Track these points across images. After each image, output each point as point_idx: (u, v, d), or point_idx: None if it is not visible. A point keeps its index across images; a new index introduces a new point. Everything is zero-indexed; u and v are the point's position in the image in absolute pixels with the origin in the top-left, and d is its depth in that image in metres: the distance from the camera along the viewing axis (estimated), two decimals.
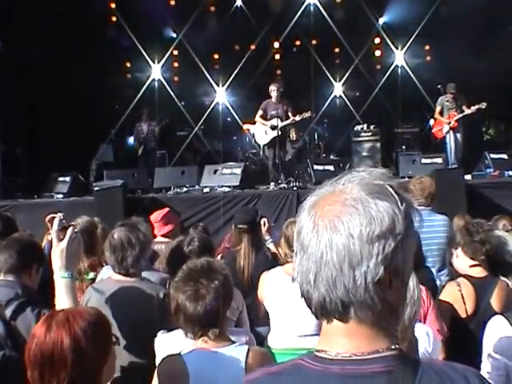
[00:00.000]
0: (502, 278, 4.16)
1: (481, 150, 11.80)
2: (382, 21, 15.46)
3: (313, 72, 14.46)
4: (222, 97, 14.83)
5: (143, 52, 14.38)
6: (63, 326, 2.18)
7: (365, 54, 14.57)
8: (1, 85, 11.95)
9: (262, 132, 11.87)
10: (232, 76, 14.26)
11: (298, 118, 11.63)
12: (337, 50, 16.11)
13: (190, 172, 11.56)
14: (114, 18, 15.40)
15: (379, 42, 15.60)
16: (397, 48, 14.52)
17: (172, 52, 14.93)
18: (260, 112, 11.79)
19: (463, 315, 4.09)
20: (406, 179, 8.39)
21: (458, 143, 12.31)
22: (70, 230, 3.19)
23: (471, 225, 4.31)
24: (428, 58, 16.33)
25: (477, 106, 11.99)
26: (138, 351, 3.69)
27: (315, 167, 11.19)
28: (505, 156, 10.97)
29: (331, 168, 11.16)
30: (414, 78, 14.06)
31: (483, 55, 13.49)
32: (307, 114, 11.78)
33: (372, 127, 14.20)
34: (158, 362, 3.10)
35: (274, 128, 11.56)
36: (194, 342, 2.87)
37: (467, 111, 12.09)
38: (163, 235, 6.11)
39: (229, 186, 10.54)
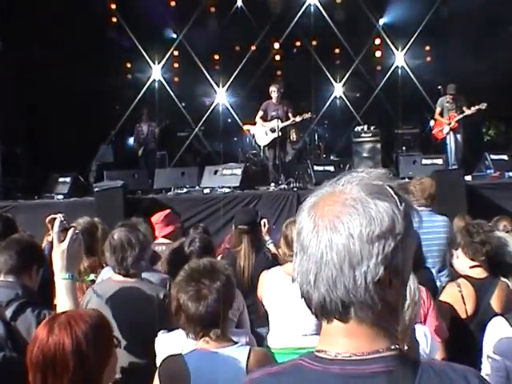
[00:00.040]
0: (503, 278, 4.16)
1: (481, 150, 11.80)
2: (382, 21, 15.45)
3: (313, 73, 14.46)
4: (222, 97, 14.83)
5: (143, 53, 14.38)
6: (65, 328, 2.18)
7: (365, 54, 14.57)
8: (1, 85, 11.96)
9: (262, 133, 11.88)
10: (232, 77, 14.27)
11: (298, 118, 11.64)
12: (337, 50, 16.11)
13: (191, 173, 11.56)
14: (114, 19, 15.40)
15: (379, 42, 15.60)
16: (397, 49, 14.52)
17: (172, 53, 14.93)
18: (260, 113, 11.79)
19: (463, 316, 4.08)
20: (407, 180, 8.40)
21: (459, 144, 12.30)
22: (70, 232, 3.19)
23: (471, 226, 4.31)
24: (428, 59, 16.34)
25: (477, 107, 11.98)
26: (138, 352, 3.69)
27: (315, 168, 11.19)
28: (505, 157, 10.96)
29: (331, 169, 11.16)
30: (414, 78, 14.07)
31: (483, 56, 13.49)
32: (307, 115, 11.79)
33: (372, 128, 14.21)
34: (158, 362, 3.09)
35: (273, 131, 11.57)
36: (196, 343, 2.86)
37: (467, 112, 12.09)
38: (164, 236, 6.10)
39: (229, 187, 10.54)
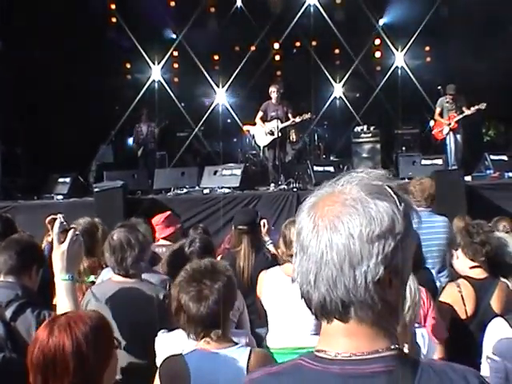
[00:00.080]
0: (503, 279, 4.16)
1: (481, 151, 11.80)
2: (382, 22, 15.46)
3: (313, 73, 14.45)
4: (222, 98, 14.82)
5: (143, 53, 14.37)
6: (65, 330, 2.18)
7: (365, 55, 14.55)
8: (1, 85, 11.95)
9: (262, 133, 11.88)
10: (232, 77, 14.26)
11: (297, 119, 11.64)
12: (337, 51, 16.11)
13: (190, 173, 11.56)
14: (114, 19, 15.39)
15: (379, 43, 15.59)
16: (397, 49, 14.51)
17: (172, 53, 14.91)
18: (260, 113, 11.80)
19: (463, 316, 4.08)
20: (406, 180, 8.41)
21: (458, 144, 12.30)
22: (70, 233, 3.19)
23: (471, 226, 4.31)
24: (428, 59, 16.35)
25: (476, 107, 11.98)
26: (138, 352, 3.69)
27: (315, 168, 11.20)
28: (505, 157, 10.97)
29: (331, 169, 11.18)
30: (414, 79, 14.06)
31: (483, 56, 13.49)
32: (307, 116, 11.80)
33: (372, 128, 14.23)
34: (158, 361, 3.10)
35: (271, 134, 11.58)
36: (196, 343, 2.86)
37: (467, 112, 12.09)
38: (165, 237, 6.11)
39: (229, 187, 10.54)
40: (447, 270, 5.61)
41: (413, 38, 13.99)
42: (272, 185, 11.25)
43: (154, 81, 14.69)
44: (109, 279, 4.12)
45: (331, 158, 14.71)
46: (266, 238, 5.94)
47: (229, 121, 15.11)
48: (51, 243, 3.42)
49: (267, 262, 5.09)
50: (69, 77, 13.06)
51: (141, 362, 3.70)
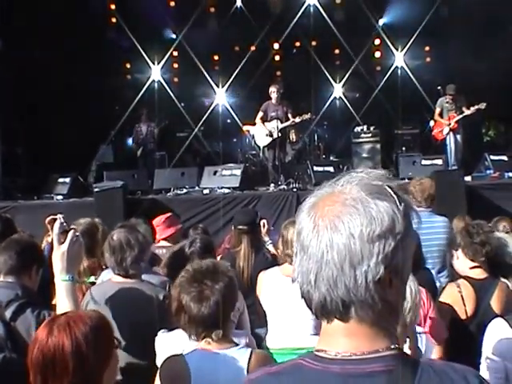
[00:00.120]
0: (503, 279, 4.16)
1: (481, 151, 11.80)
2: (381, 22, 15.47)
3: (313, 73, 14.45)
4: (221, 98, 14.80)
5: (143, 53, 14.35)
6: (64, 330, 2.18)
7: (365, 55, 14.53)
8: (1, 85, 11.95)
9: (261, 133, 11.88)
10: (232, 77, 14.24)
11: (297, 119, 11.66)
12: (337, 51, 16.12)
13: (190, 173, 11.56)
14: (113, 19, 15.39)
15: (379, 43, 15.60)
16: (397, 49, 14.49)
17: (172, 53, 14.89)
18: (260, 114, 11.80)
19: (463, 317, 4.08)
20: (406, 180, 8.41)
21: (458, 144, 12.30)
22: (70, 234, 3.20)
23: (471, 226, 4.31)
24: (428, 59, 16.35)
25: (476, 107, 11.99)
26: (138, 352, 3.69)
27: (315, 168, 11.20)
28: (505, 157, 10.97)
29: (331, 169, 11.18)
30: (413, 79, 14.04)
31: (483, 56, 13.49)
32: (307, 116, 11.81)
33: (372, 128, 14.23)
34: (158, 361, 3.10)
35: (270, 135, 11.58)
36: (197, 343, 2.86)
37: (467, 112, 12.09)
38: (165, 238, 6.11)
39: (228, 188, 10.54)
40: (447, 271, 5.61)
41: (413, 38, 13.97)
42: (272, 185, 11.25)
43: (153, 81, 14.67)
44: (109, 280, 4.12)
45: (331, 158, 14.71)
46: (266, 239, 5.94)
47: (229, 121, 15.10)
48: (51, 243, 3.42)
49: (267, 262, 5.09)
50: (69, 77, 13.06)
51: (141, 362, 3.70)
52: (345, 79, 14.60)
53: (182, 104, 15.11)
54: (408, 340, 3.19)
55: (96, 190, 10.08)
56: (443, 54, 14.94)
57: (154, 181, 11.53)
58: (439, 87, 12.78)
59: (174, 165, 13.49)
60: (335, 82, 14.79)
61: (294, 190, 10.39)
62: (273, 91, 11.64)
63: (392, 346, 1.35)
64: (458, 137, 12.31)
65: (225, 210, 9.56)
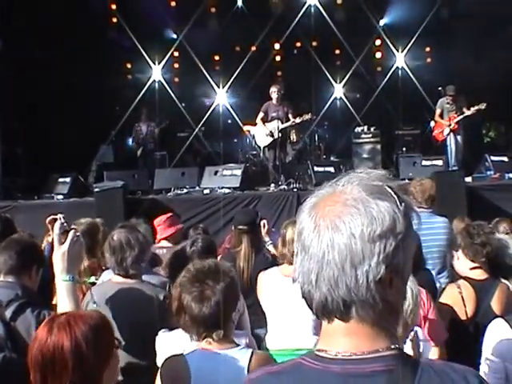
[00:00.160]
0: (503, 280, 4.16)
1: (481, 152, 11.79)
2: (382, 22, 15.48)
3: (313, 73, 14.44)
4: (222, 98, 14.79)
5: (144, 53, 14.34)
6: (64, 329, 2.18)
7: (365, 55, 14.52)
8: (1, 85, 11.94)
9: (262, 134, 11.89)
10: (232, 77, 14.23)
11: (298, 120, 11.66)
12: (337, 51, 16.11)
13: (191, 173, 11.56)
14: (114, 19, 15.40)
15: (380, 43, 15.59)
16: (397, 50, 14.48)
17: (172, 53, 14.89)
18: (261, 114, 11.81)
19: (463, 317, 4.08)
20: (407, 181, 8.41)
21: (459, 145, 12.30)
22: (71, 234, 3.20)
23: (472, 227, 4.31)
24: (428, 60, 16.35)
25: (476, 107, 11.98)
26: (138, 352, 3.69)
27: (315, 169, 11.19)
28: (505, 158, 10.95)
29: (331, 170, 11.17)
30: (414, 79, 14.04)
31: (484, 57, 13.50)
32: (307, 116, 11.81)
33: (372, 129, 14.24)
34: (159, 360, 3.10)
35: (271, 135, 11.59)
36: (198, 343, 2.85)
37: (467, 112, 12.09)
38: (166, 238, 6.12)
39: (229, 188, 10.54)
40: (447, 271, 5.61)
41: (413, 39, 13.96)
42: (272, 185, 11.25)
43: (154, 81, 14.66)
44: (109, 280, 4.12)
45: (331, 158, 14.69)
46: (266, 239, 5.94)
47: (229, 121, 15.09)
48: (51, 243, 3.42)
49: (267, 262, 5.09)
50: (69, 77, 13.06)
51: (141, 363, 3.70)
52: (345, 80, 14.59)
53: (183, 104, 15.12)
54: (408, 340, 3.19)
55: (96, 189, 10.08)
56: (444, 54, 14.94)
57: (155, 181, 11.53)
58: (440, 88, 12.78)
59: (175, 165, 13.49)
60: (336, 82, 14.78)
61: (295, 190, 10.38)
62: (273, 91, 11.65)
63: (392, 346, 1.35)
64: (459, 137, 12.30)
65: (225, 210, 9.55)
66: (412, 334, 3.15)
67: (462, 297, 4.09)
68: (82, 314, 2.32)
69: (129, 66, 16.74)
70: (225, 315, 2.82)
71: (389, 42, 14.46)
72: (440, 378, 1.33)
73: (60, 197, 11.16)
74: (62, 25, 12.99)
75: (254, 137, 12.46)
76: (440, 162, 10.93)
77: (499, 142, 15.78)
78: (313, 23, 14.40)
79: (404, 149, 14.65)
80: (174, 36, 15.67)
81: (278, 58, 16.86)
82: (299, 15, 14.21)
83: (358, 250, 1.30)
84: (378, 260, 1.30)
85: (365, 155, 14.00)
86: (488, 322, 3.08)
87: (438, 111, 12.51)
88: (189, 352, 2.82)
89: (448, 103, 12.33)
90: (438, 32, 14.48)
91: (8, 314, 3.30)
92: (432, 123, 13.21)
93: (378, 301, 1.32)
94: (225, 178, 10.87)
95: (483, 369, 2.93)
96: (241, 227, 5.32)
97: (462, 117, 12.16)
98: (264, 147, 12.06)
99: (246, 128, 13.95)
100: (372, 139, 14.16)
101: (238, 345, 2.89)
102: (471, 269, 4.19)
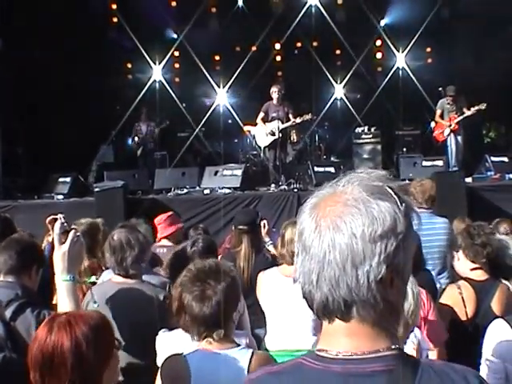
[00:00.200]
0: (503, 281, 4.16)
1: (481, 152, 11.79)
2: (383, 23, 15.48)
3: (314, 74, 14.43)
4: (222, 98, 14.79)
5: (144, 53, 14.34)
6: (64, 328, 2.18)
7: (366, 55, 14.52)
8: (1, 85, 11.94)
9: (262, 134, 11.89)
10: (233, 77, 14.23)
11: (298, 120, 11.66)
12: (338, 51, 16.13)
13: (191, 173, 11.56)
14: (114, 19, 15.41)
15: (380, 44, 15.60)
16: (398, 50, 14.47)
17: (173, 53, 14.90)
18: (261, 114, 11.82)
19: (463, 318, 4.08)
20: (407, 182, 8.41)
21: (459, 146, 12.29)
22: (71, 234, 3.20)
23: (472, 228, 4.31)
24: (429, 60, 16.35)
25: (476, 107, 11.98)
26: (138, 352, 3.69)
27: (316, 169, 11.19)
28: (505, 159, 10.94)
29: (332, 170, 11.17)
30: (415, 80, 14.04)
31: (484, 57, 13.50)
32: (308, 116, 11.81)
33: (373, 129, 14.25)
34: (159, 360, 3.09)
35: (272, 134, 11.59)
36: (198, 343, 2.85)
37: (467, 113, 12.09)
38: (166, 236, 6.12)
39: (229, 188, 10.53)
40: (447, 272, 5.61)
41: (414, 39, 13.95)
42: (273, 185, 11.24)
43: (154, 81, 14.66)
44: (109, 280, 4.12)
45: (332, 158, 14.69)
46: (267, 239, 5.94)
47: (230, 121, 15.09)
48: (51, 243, 3.42)
49: (267, 262, 5.08)
50: (69, 77, 13.06)
51: (141, 363, 3.70)
52: (346, 80, 14.59)
53: (183, 104, 15.12)
54: (408, 341, 3.19)
55: (96, 189, 10.07)
56: (444, 55, 14.96)
57: (155, 181, 11.52)
58: (440, 88, 12.78)
59: (175, 165, 13.48)
60: (336, 82, 14.78)
61: (295, 190, 10.38)
62: (274, 91, 11.65)
63: (393, 346, 1.35)
64: (459, 138, 12.30)
65: (225, 210, 9.55)
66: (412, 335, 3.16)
67: (463, 297, 4.09)
68: (83, 314, 2.32)
69: (129, 65, 16.74)
70: (226, 315, 2.82)
71: (389, 43, 14.45)
72: (440, 378, 1.34)
73: (60, 197, 11.16)
74: (62, 25, 12.99)
75: (254, 137, 12.46)
76: (440, 163, 10.93)
77: (499, 143, 15.77)
78: (313, 23, 14.38)
79: (404, 149, 14.65)
80: (175, 36, 15.68)
81: (278, 58, 16.87)
82: (300, 15, 14.20)
83: (359, 250, 1.31)
84: (379, 260, 1.31)
85: (365, 155, 14.00)
86: (488, 322, 3.08)
87: (438, 112, 12.51)
88: (189, 352, 2.81)
89: (448, 104, 12.33)
90: (438, 32, 14.47)
91: (8, 313, 3.30)
92: (432, 124, 13.22)
93: (379, 301, 1.33)
94: (225, 178, 10.86)
95: (483, 369, 2.93)
96: (241, 227, 5.32)
97: (462, 117, 12.16)
98: (264, 147, 12.07)
99: (246, 128, 13.95)
100: (372, 139, 14.16)
101: (239, 345, 2.89)
102: (471, 269, 4.19)
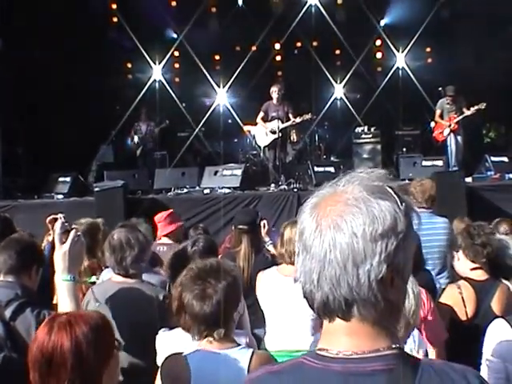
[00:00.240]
0: (504, 281, 4.16)
1: (481, 152, 11.79)
2: (383, 23, 15.48)
3: (314, 73, 14.44)
4: (222, 98, 14.78)
5: (144, 53, 14.33)
6: (64, 328, 2.18)
7: (366, 55, 14.51)
8: (1, 85, 11.94)
9: (262, 133, 11.90)
10: (233, 77, 14.23)
11: (298, 119, 11.67)
12: (338, 51, 16.11)
13: (191, 173, 11.56)
14: (115, 19, 15.41)
15: (380, 43, 15.59)
16: (398, 50, 14.47)
17: (173, 53, 14.89)
18: (261, 114, 11.82)
19: (463, 318, 4.08)
20: (407, 181, 8.41)
21: (459, 146, 12.29)
22: (72, 233, 3.20)
23: (472, 228, 4.31)
24: (429, 60, 16.34)
25: (476, 107, 11.98)
26: (138, 352, 3.69)
27: (316, 169, 11.20)
28: (505, 159, 10.95)
29: (332, 170, 11.17)
30: (414, 80, 14.04)
31: (484, 57, 13.50)
32: (308, 116, 11.82)
33: (373, 129, 14.25)
34: (159, 360, 3.09)
35: (273, 132, 11.60)
36: (199, 343, 2.84)
37: (467, 112, 12.09)
38: (167, 235, 6.12)
39: (229, 188, 10.53)
40: (447, 272, 5.61)
41: (414, 39, 13.95)
42: (272, 185, 11.25)
43: (154, 81, 14.66)
44: (109, 279, 4.12)
45: (332, 158, 14.68)
46: (266, 239, 5.94)
47: (229, 121, 15.08)
48: (52, 243, 3.42)
49: (267, 262, 5.08)
50: (69, 77, 13.06)
51: (141, 363, 3.70)
52: (346, 80, 14.58)
53: (183, 104, 15.12)
54: (408, 341, 3.19)
55: (96, 189, 10.07)
56: (444, 55, 14.95)
57: (155, 180, 11.53)
58: (440, 88, 12.78)
59: (175, 165, 13.48)
60: (336, 82, 14.77)
61: (295, 190, 10.38)
62: (274, 91, 11.66)
63: (393, 346, 1.36)
64: (459, 138, 12.30)
65: (225, 210, 9.54)
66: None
67: (463, 297, 4.09)
68: (83, 314, 2.32)
69: (129, 65, 16.74)
70: (226, 314, 2.82)
71: (389, 43, 14.45)
72: (440, 377, 1.34)
73: (60, 196, 11.16)
74: (62, 25, 12.99)
75: (254, 137, 12.47)
76: (440, 163, 10.94)
77: (499, 143, 15.76)
78: (313, 23, 14.38)
79: (404, 149, 14.65)
80: (175, 36, 15.67)
81: (278, 58, 16.86)
82: (300, 15, 14.20)
83: (359, 249, 1.31)
84: (380, 259, 1.31)
85: (365, 155, 14.00)
86: (488, 322, 3.07)
87: (438, 112, 12.51)
88: (189, 352, 2.81)
89: (448, 103, 12.33)
90: (438, 32, 14.45)
91: (8, 313, 3.30)
92: (432, 124, 13.21)
93: (380, 300, 1.33)
94: (225, 178, 10.87)
95: (484, 369, 2.93)
96: (241, 227, 5.32)
97: (461, 117, 12.16)
98: (264, 147, 12.07)
99: (246, 128, 13.95)
100: (372, 139, 14.17)
101: (239, 344, 2.88)
102: (472, 269, 4.19)
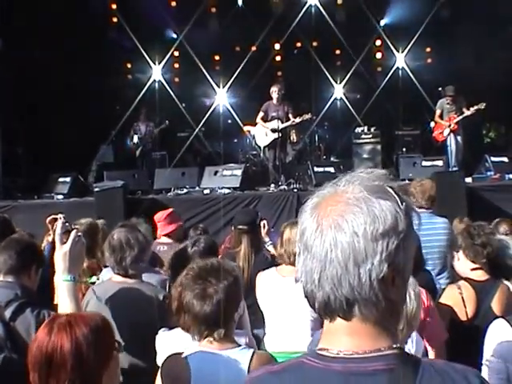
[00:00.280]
0: (504, 281, 4.15)
1: (481, 152, 11.79)
2: (382, 23, 15.48)
3: (313, 74, 14.44)
4: (222, 98, 14.79)
5: (144, 53, 14.34)
6: (64, 329, 2.18)
7: (366, 55, 14.51)
8: (1, 85, 11.94)
9: (262, 134, 11.90)
10: (233, 77, 14.23)
11: (298, 119, 11.67)
12: (337, 51, 16.12)
13: (191, 173, 11.56)
14: (114, 19, 15.41)
15: (380, 44, 15.59)
16: (398, 50, 14.47)
17: (173, 53, 14.89)
18: (261, 114, 11.82)
19: (464, 318, 4.08)
20: (407, 182, 8.41)
21: (459, 146, 12.29)
22: (73, 233, 3.19)
23: (472, 228, 4.31)
24: (429, 60, 16.34)
25: (476, 107, 11.98)
26: (138, 353, 3.68)
27: (316, 169, 11.19)
28: (505, 159, 10.95)
29: (331, 170, 11.17)
30: (414, 80, 14.04)
31: (484, 57, 13.50)
32: (307, 116, 11.82)
33: (373, 129, 14.24)
34: (159, 359, 3.09)
35: (274, 131, 11.60)
36: (199, 343, 2.84)
37: (467, 112, 12.09)
38: (167, 234, 6.12)
39: (229, 188, 10.54)
40: (447, 272, 5.61)
41: (414, 39, 13.96)
42: (272, 185, 11.25)
43: (154, 81, 14.66)
44: (109, 279, 4.12)
45: (332, 158, 14.68)
46: (266, 239, 5.93)
47: (229, 121, 15.09)
48: (51, 243, 3.42)
49: (267, 262, 5.08)
50: (69, 77, 13.06)
51: (140, 363, 3.70)
52: (346, 80, 14.58)
53: (183, 104, 15.12)
54: (409, 341, 3.19)
55: (96, 189, 10.08)
56: (444, 55, 14.95)
57: (155, 181, 11.53)
58: (440, 88, 12.78)
59: (175, 165, 13.48)
60: (336, 82, 14.77)
61: (295, 190, 10.39)
62: (274, 91, 11.66)
63: (394, 346, 1.36)
64: (459, 138, 12.30)
65: (225, 210, 9.55)
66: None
67: (463, 297, 4.08)
68: (83, 316, 2.32)
69: (129, 65, 16.74)
70: (227, 314, 2.80)
71: (389, 43, 14.45)
72: (441, 377, 1.34)
73: (60, 196, 11.16)
74: (62, 25, 12.99)
75: (254, 137, 12.47)
76: (440, 163, 10.94)
77: (499, 143, 15.77)
78: (313, 23, 14.38)
79: (404, 149, 14.66)
80: (175, 36, 15.67)
81: (278, 58, 16.86)
82: (299, 15, 14.20)
83: (360, 248, 1.31)
84: (381, 258, 1.31)
85: (365, 155, 14.00)
86: (488, 322, 3.07)
87: (437, 112, 12.51)
88: (189, 352, 2.80)
89: (448, 104, 12.33)
90: (438, 32, 14.45)
91: (7, 314, 3.30)
92: (432, 124, 13.21)
93: (381, 299, 1.33)
94: (225, 178, 10.87)
95: (484, 370, 2.93)
96: (241, 227, 5.31)
97: (461, 117, 12.15)
98: (264, 147, 12.07)
99: (246, 128, 13.95)
100: (372, 139, 14.17)
101: (239, 345, 2.87)
102: (472, 270, 4.18)
